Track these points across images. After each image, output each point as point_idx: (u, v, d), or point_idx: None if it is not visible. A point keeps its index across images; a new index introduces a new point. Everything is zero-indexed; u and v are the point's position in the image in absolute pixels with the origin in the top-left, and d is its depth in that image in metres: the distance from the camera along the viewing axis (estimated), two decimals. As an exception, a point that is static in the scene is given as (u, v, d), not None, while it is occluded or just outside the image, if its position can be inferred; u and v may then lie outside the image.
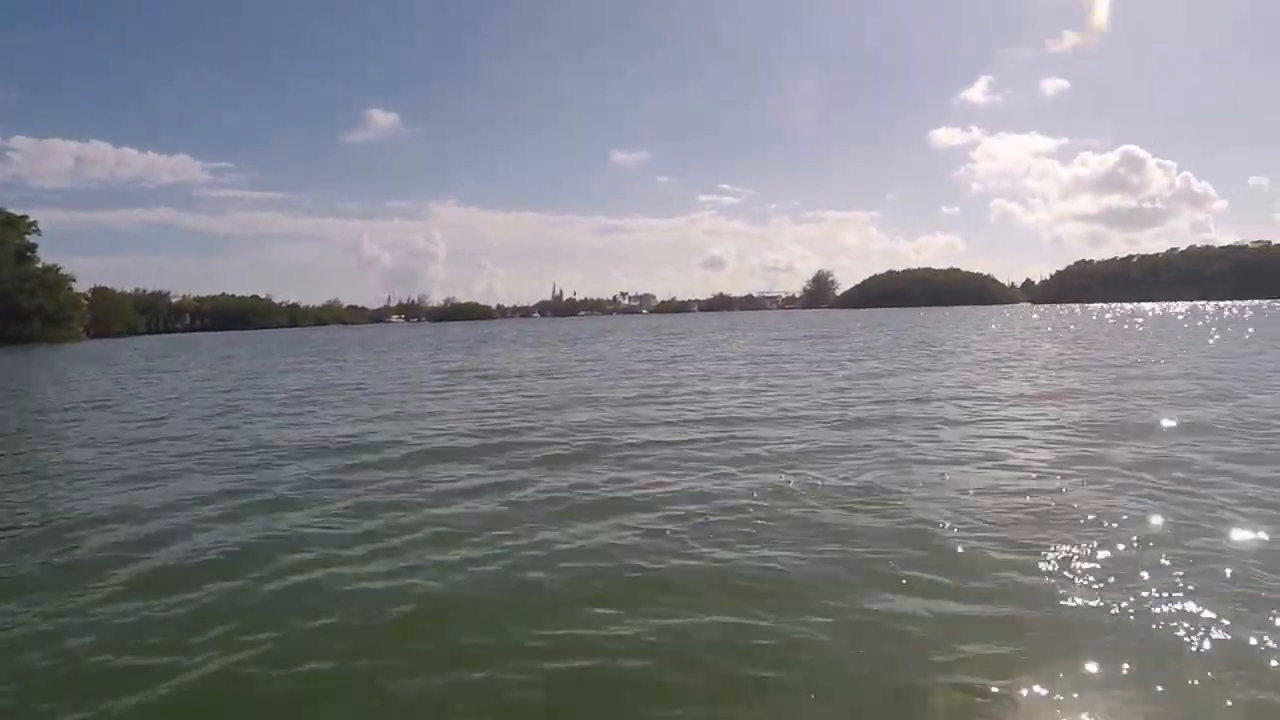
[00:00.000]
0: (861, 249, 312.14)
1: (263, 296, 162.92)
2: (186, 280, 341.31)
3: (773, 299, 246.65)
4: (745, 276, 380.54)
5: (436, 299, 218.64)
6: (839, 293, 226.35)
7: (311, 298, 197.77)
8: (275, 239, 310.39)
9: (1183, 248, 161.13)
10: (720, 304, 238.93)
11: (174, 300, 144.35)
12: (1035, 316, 74.41)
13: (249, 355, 41.96)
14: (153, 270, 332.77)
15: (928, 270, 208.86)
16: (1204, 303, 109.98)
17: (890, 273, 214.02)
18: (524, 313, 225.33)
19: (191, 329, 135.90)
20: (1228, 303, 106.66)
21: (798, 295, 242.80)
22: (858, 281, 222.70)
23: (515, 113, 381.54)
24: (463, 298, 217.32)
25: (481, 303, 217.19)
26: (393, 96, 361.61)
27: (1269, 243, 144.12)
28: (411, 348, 44.55)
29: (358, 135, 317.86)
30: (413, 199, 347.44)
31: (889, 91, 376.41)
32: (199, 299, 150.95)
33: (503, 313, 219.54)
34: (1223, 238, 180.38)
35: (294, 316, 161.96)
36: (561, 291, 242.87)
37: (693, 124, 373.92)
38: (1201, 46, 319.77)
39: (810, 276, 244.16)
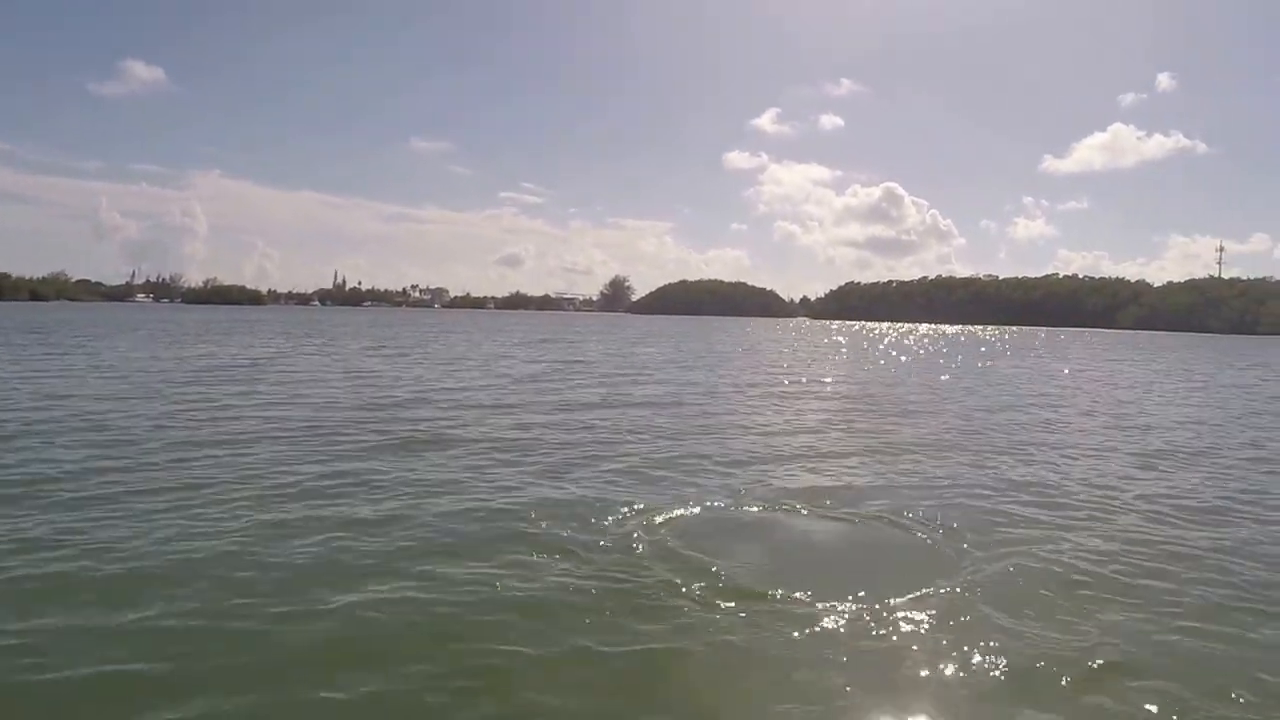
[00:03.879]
0: (657, 257, 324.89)
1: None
2: None
3: (570, 300, 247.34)
4: (544, 276, 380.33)
5: (195, 279, 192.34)
6: (635, 298, 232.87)
7: (32, 268, 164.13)
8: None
9: (932, 276, 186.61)
10: (518, 303, 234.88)
11: None
12: (791, 333, 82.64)
13: None
14: None
15: (717, 282, 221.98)
16: (949, 326, 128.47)
17: (683, 282, 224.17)
18: (301, 300, 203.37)
19: None
20: (967, 327, 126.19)
21: (595, 298, 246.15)
22: (653, 288, 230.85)
23: (303, 81, 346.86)
24: (229, 279, 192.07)
25: (251, 286, 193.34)
26: (159, 48, 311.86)
27: (997, 277, 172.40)
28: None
29: (111, 87, 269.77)
30: (169, 165, 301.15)
31: (690, 111, 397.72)
32: None
33: (275, 299, 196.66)
34: (961, 270, 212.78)
35: (2, 289, 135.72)
36: (345, 280, 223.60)
37: (499, 120, 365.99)
38: (949, 105, 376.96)
39: (608, 280, 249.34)
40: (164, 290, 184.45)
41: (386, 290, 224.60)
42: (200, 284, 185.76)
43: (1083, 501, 7.92)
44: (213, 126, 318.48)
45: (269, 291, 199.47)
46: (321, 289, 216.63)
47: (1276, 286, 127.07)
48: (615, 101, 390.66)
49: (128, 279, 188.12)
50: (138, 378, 17.09)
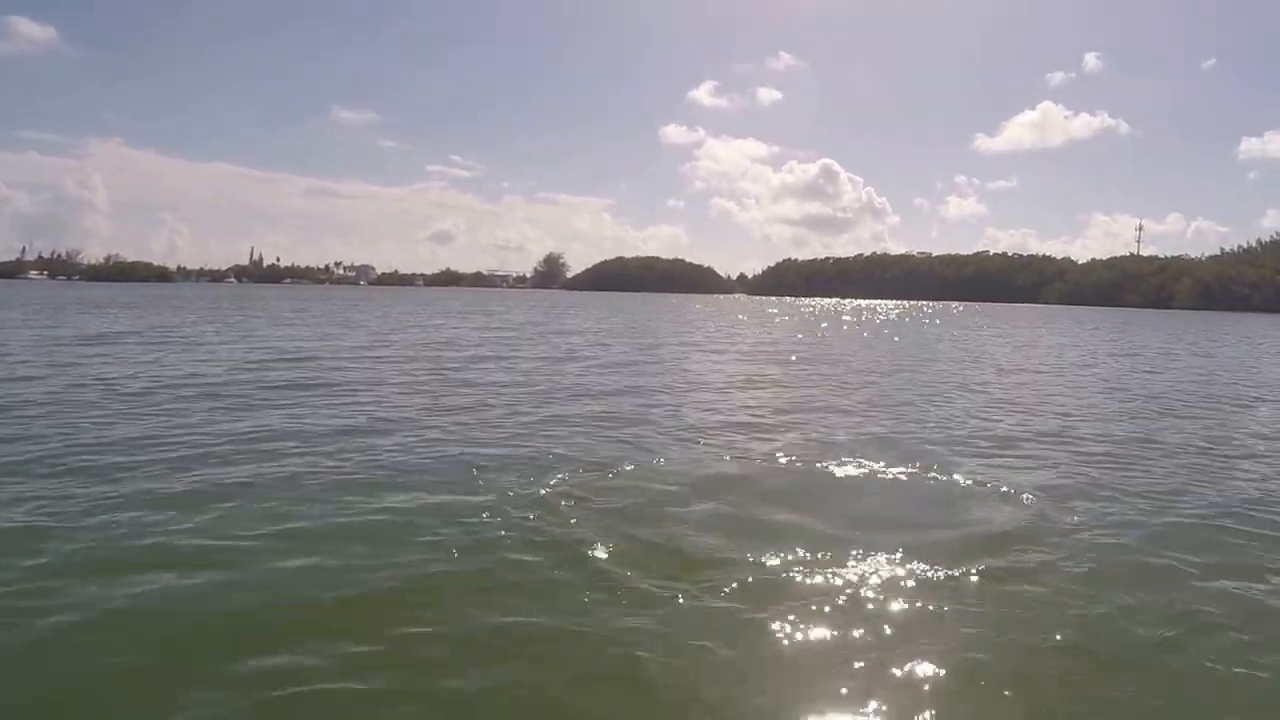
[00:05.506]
0: (594, 234, 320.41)
1: None
2: None
3: (503, 278, 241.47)
4: (475, 253, 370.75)
5: (96, 255, 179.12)
6: (570, 275, 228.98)
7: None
8: None
9: (867, 253, 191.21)
10: (448, 280, 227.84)
11: None
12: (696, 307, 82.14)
13: None
14: None
15: (655, 259, 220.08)
16: (885, 302, 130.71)
17: (620, 259, 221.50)
18: (215, 277, 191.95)
19: None
20: (901, 301, 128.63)
21: (529, 276, 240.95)
22: (589, 265, 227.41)
23: (212, 43, 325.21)
24: (135, 256, 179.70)
25: (159, 263, 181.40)
26: (50, 5, 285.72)
27: (930, 254, 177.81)
28: None
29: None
30: (63, 132, 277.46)
31: (626, 81, 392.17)
32: None
33: (186, 276, 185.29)
34: (895, 247, 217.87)
35: None
36: (262, 256, 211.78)
37: (426, 89, 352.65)
38: (885, 80, 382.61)
39: (542, 257, 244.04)
40: (60, 267, 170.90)
41: (308, 267, 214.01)
42: (103, 260, 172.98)
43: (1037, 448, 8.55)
44: (112, 91, 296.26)
45: (179, 268, 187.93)
46: (237, 265, 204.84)
47: (1190, 264, 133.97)
48: (548, 70, 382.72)
49: (18, 255, 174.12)
50: None
